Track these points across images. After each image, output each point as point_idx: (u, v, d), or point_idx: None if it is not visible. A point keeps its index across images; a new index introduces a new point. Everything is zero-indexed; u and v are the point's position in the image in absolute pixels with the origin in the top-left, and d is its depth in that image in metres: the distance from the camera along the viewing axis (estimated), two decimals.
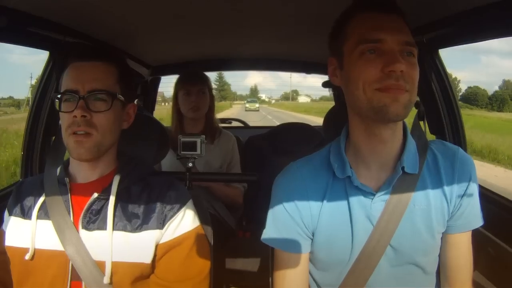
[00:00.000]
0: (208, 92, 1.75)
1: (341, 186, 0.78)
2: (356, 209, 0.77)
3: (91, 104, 0.81)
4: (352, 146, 0.80)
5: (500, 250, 1.03)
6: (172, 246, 0.84)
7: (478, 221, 0.82)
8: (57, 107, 0.84)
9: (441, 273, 0.85)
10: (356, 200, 0.77)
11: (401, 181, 0.76)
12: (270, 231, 0.83)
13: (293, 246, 0.81)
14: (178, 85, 1.76)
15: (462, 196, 0.79)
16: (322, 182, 0.80)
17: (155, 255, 0.83)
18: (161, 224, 0.83)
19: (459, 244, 0.82)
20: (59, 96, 0.83)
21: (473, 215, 0.81)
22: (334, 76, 0.80)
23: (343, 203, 0.78)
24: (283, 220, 0.81)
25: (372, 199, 0.77)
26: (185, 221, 0.86)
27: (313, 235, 0.81)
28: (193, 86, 1.71)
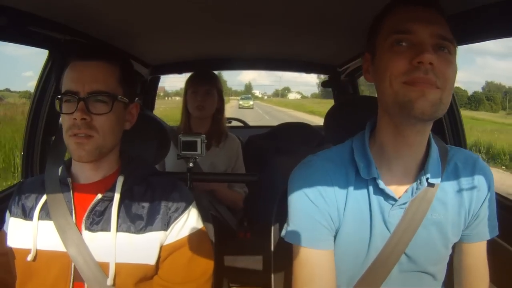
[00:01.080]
0: (217, 93, 1.75)
1: (364, 187, 0.74)
2: (375, 213, 0.74)
3: (91, 105, 0.79)
4: (377, 145, 0.76)
5: (501, 251, 1.02)
6: (176, 247, 0.83)
7: (494, 231, 0.80)
8: (57, 108, 0.82)
9: (455, 282, 0.82)
10: (377, 204, 0.74)
11: (423, 190, 0.73)
12: (293, 226, 0.76)
13: (320, 241, 0.74)
14: (187, 84, 1.77)
15: (481, 206, 0.77)
16: (344, 180, 0.75)
17: (159, 257, 0.83)
18: (165, 226, 0.82)
19: (475, 253, 0.80)
20: (59, 96, 0.82)
21: (490, 225, 0.79)
22: (367, 73, 0.76)
23: (365, 205, 0.74)
24: (308, 212, 0.74)
25: (393, 205, 0.74)
26: (189, 223, 0.85)
27: (336, 233, 0.76)
28: (201, 86, 1.72)
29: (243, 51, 2.02)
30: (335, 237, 0.76)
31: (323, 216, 0.74)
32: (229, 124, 3.05)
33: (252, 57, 2.23)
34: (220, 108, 1.78)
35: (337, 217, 0.74)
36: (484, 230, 0.79)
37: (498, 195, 1.16)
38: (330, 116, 1.09)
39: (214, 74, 1.82)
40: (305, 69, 2.50)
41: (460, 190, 0.76)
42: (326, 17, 1.22)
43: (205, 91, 1.71)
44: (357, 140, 0.78)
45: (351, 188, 0.74)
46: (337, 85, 2.50)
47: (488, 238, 0.80)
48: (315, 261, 0.74)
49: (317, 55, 2.12)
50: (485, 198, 0.77)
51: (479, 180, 0.77)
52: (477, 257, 0.80)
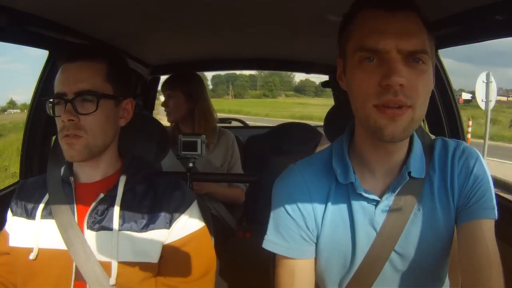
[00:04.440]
0: (183, 96, 1.68)
1: (344, 192, 0.74)
2: (359, 216, 0.73)
3: (79, 106, 0.79)
4: (356, 151, 0.75)
5: (501, 252, 1.02)
6: (179, 246, 0.83)
7: (489, 212, 0.72)
8: (50, 112, 0.83)
9: (462, 273, 0.74)
10: (359, 207, 0.73)
11: (406, 186, 0.72)
12: (272, 237, 0.78)
13: (298, 251, 0.76)
14: None
15: (464, 186, 0.73)
16: (324, 186, 0.76)
17: (161, 255, 0.83)
18: (167, 224, 0.82)
19: (472, 233, 0.71)
20: (51, 100, 0.82)
21: (481, 205, 0.72)
22: (341, 80, 0.74)
23: (345, 210, 0.74)
24: (286, 224, 0.76)
25: (376, 205, 0.73)
26: (191, 221, 0.85)
27: (316, 240, 0.77)
28: (163, 91, 1.73)
29: (243, 51, 2.03)
30: (316, 242, 0.77)
31: (300, 228, 0.76)
32: (229, 125, 3.06)
33: (252, 57, 2.23)
34: (195, 110, 1.69)
35: (315, 226, 0.76)
36: (474, 208, 0.72)
37: (498, 196, 1.16)
38: (329, 116, 1.08)
39: (179, 76, 1.74)
40: (305, 69, 2.51)
41: (444, 179, 0.74)
42: (326, 17, 1.22)
43: (167, 95, 1.70)
44: (337, 145, 0.78)
45: (331, 193, 0.75)
46: (337, 85, 2.50)
47: (481, 217, 0.72)
48: (293, 271, 0.76)
49: (317, 55, 2.13)
50: (468, 177, 0.73)
51: (461, 162, 0.74)
52: (475, 237, 0.70)
